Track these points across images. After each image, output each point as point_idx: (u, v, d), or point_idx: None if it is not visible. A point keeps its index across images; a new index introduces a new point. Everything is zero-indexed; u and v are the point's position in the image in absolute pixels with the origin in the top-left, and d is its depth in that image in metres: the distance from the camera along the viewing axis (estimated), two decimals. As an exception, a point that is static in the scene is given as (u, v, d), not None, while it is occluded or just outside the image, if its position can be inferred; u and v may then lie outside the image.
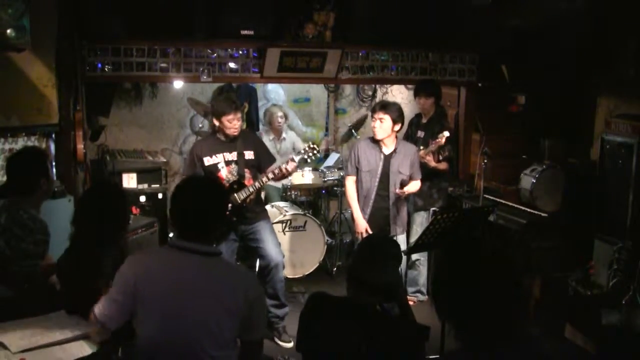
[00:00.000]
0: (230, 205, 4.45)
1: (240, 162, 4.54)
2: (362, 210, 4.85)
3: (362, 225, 4.79)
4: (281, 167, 4.55)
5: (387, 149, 4.79)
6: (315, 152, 4.61)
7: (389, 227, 4.84)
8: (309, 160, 4.60)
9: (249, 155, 4.59)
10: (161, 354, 2.39)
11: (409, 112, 6.61)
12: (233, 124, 4.42)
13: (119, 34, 5.06)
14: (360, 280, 2.59)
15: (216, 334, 2.38)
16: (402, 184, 4.73)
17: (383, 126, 4.69)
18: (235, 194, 4.47)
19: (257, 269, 4.91)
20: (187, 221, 2.48)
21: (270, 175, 4.49)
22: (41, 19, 4.33)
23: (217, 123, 4.50)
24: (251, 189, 4.49)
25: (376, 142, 4.80)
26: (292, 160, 4.52)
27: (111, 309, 2.46)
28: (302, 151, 4.59)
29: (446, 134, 4.96)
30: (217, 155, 4.53)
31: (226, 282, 2.44)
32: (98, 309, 2.50)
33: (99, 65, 5.05)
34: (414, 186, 4.86)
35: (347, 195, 4.97)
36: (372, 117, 4.75)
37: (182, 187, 2.56)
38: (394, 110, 4.71)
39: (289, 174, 4.64)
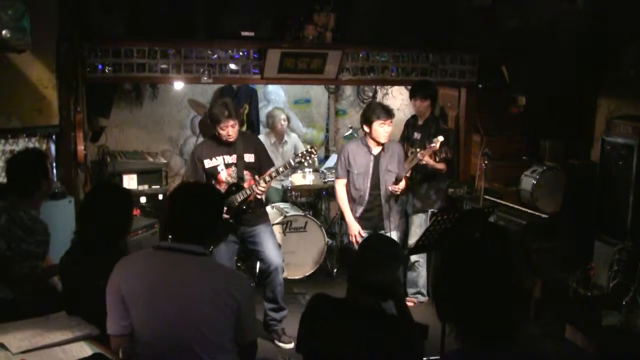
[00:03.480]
0: (227, 207, 4.45)
1: (240, 164, 4.54)
2: (356, 211, 4.87)
3: (356, 228, 4.82)
4: (278, 169, 4.57)
5: (376, 149, 4.82)
6: (312, 155, 4.63)
7: (382, 223, 4.86)
8: (306, 165, 4.58)
9: (249, 158, 4.58)
10: (157, 354, 2.40)
11: (409, 112, 6.61)
12: (227, 131, 4.40)
13: (119, 35, 5.06)
14: (360, 281, 2.59)
15: (205, 332, 2.37)
16: (396, 180, 4.75)
17: (389, 130, 4.76)
18: (234, 196, 4.47)
19: (257, 271, 4.92)
20: (176, 224, 2.53)
21: (268, 179, 4.50)
22: (41, 20, 4.32)
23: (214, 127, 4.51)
24: (249, 192, 4.48)
25: (365, 143, 4.83)
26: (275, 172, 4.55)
27: (116, 318, 2.46)
28: (300, 154, 4.61)
29: (440, 138, 4.95)
30: (217, 157, 4.53)
31: (210, 280, 2.44)
32: (108, 324, 2.48)
33: (100, 67, 5.04)
34: (403, 183, 4.86)
35: (338, 199, 4.97)
36: (381, 123, 4.69)
37: (173, 194, 2.63)
38: (394, 114, 4.83)
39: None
